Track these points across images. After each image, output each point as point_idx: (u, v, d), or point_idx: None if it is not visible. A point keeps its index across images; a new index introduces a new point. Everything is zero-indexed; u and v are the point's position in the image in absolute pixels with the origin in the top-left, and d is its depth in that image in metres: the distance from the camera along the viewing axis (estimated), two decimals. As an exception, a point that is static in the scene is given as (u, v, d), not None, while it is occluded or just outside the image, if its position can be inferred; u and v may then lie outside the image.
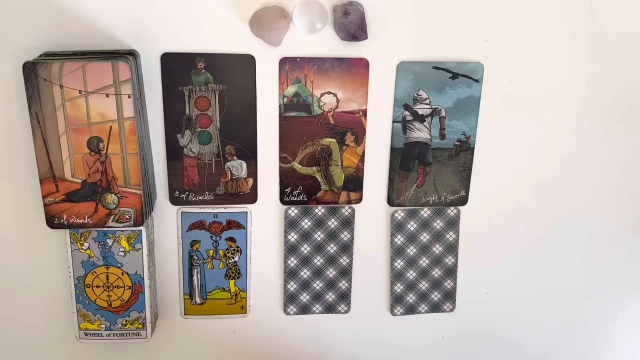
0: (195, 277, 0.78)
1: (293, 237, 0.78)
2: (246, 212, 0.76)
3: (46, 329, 0.79)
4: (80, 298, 0.74)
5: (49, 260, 0.75)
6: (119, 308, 0.74)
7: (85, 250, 0.72)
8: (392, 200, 0.78)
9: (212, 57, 0.69)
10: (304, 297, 0.81)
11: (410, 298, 0.83)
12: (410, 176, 0.77)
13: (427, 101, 0.73)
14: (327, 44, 0.70)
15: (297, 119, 0.72)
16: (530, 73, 0.74)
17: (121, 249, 0.72)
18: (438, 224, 0.80)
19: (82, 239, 0.72)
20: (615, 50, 0.74)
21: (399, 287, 0.82)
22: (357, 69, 0.71)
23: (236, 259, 0.78)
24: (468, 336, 0.87)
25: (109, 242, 0.72)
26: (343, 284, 0.81)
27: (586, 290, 0.87)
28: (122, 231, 0.71)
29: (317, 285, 0.81)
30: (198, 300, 0.79)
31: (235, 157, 0.73)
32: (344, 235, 0.79)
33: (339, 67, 0.70)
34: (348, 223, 0.78)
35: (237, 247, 0.77)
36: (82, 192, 0.67)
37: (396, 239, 0.80)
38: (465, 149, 0.76)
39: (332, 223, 0.78)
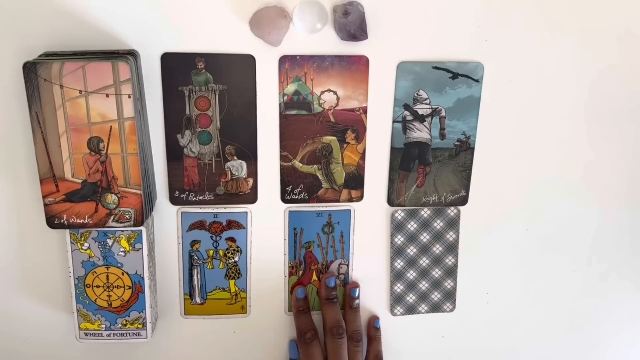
0: (195, 277, 0.78)
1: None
2: (246, 212, 0.76)
3: (46, 329, 0.79)
4: (80, 298, 0.74)
5: (49, 260, 0.75)
6: (119, 308, 0.74)
7: (85, 250, 0.72)
8: (392, 200, 0.78)
9: (212, 57, 0.69)
10: (304, 297, 0.81)
11: (410, 298, 0.83)
12: (410, 176, 0.77)
13: (427, 101, 0.74)
14: (327, 44, 0.70)
15: (298, 117, 0.72)
16: (530, 73, 0.74)
17: (121, 249, 0.72)
18: (438, 224, 0.80)
19: (82, 239, 0.72)
20: (616, 50, 0.74)
21: (399, 287, 0.82)
22: (357, 66, 0.71)
23: (236, 259, 0.78)
24: (468, 336, 0.87)
25: (109, 242, 0.72)
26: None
27: (586, 290, 0.87)
28: (122, 231, 0.71)
29: (317, 285, 0.81)
30: (198, 300, 0.79)
31: (235, 157, 0.73)
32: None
33: (338, 65, 0.70)
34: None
35: (237, 247, 0.77)
36: (82, 192, 0.67)
37: (396, 239, 0.80)
38: (465, 149, 0.76)
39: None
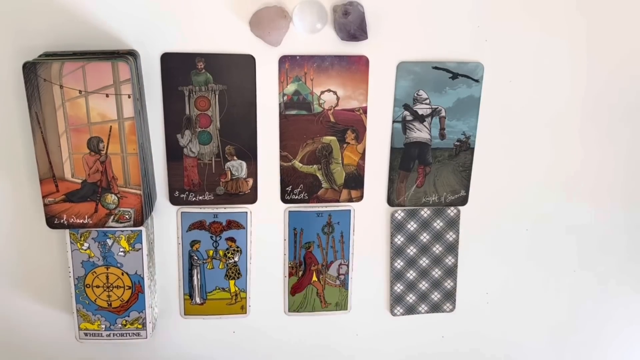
0: (195, 277, 0.78)
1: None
2: (246, 212, 0.76)
3: (46, 329, 0.79)
4: (80, 298, 0.74)
5: (49, 260, 0.75)
6: (119, 308, 0.74)
7: (85, 250, 0.72)
8: (392, 200, 0.78)
9: (212, 57, 0.69)
10: (304, 297, 0.81)
11: (410, 298, 0.83)
12: (410, 176, 0.77)
13: (427, 101, 0.74)
14: (327, 44, 0.70)
15: (298, 117, 0.72)
16: (530, 73, 0.74)
17: (121, 249, 0.72)
18: (438, 224, 0.80)
19: (82, 239, 0.72)
20: (615, 50, 0.74)
21: (399, 287, 0.82)
22: (357, 66, 0.71)
23: (236, 259, 0.78)
24: (468, 336, 0.87)
25: (109, 242, 0.72)
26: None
27: (586, 290, 0.87)
28: (122, 231, 0.71)
29: (317, 285, 0.81)
30: (198, 300, 0.79)
31: (235, 157, 0.73)
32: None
33: (338, 65, 0.70)
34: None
35: (237, 247, 0.77)
36: (82, 192, 0.67)
37: (396, 239, 0.80)
38: (465, 149, 0.76)
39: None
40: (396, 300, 0.83)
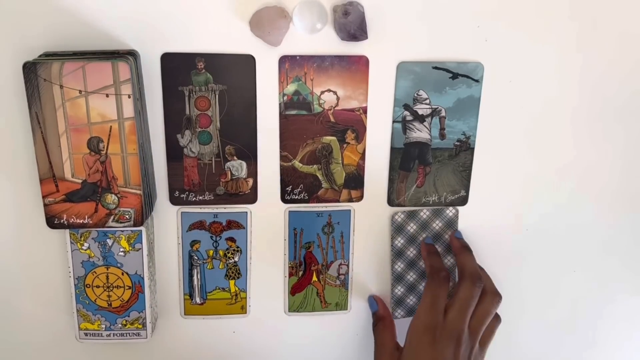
0: (195, 277, 0.78)
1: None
2: (246, 212, 0.76)
3: (46, 329, 0.79)
4: (80, 298, 0.74)
5: (49, 260, 0.75)
6: (119, 308, 0.74)
7: (85, 250, 0.72)
8: (392, 200, 0.78)
9: (212, 57, 0.69)
10: (304, 298, 0.81)
11: (411, 300, 0.83)
12: (410, 176, 0.77)
13: (427, 101, 0.74)
14: (327, 44, 0.70)
15: (298, 117, 0.72)
16: (530, 73, 0.74)
17: (121, 249, 0.72)
18: (437, 225, 0.80)
19: (82, 239, 0.72)
20: (616, 50, 0.74)
21: (399, 290, 0.82)
22: (357, 66, 0.71)
23: (236, 259, 0.78)
24: (468, 336, 0.87)
25: (109, 242, 0.72)
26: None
27: (586, 290, 0.87)
28: (122, 231, 0.71)
29: (317, 285, 0.81)
30: (198, 300, 0.79)
31: (235, 157, 0.73)
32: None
33: (338, 65, 0.70)
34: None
35: (237, 247, 0.77)
36: (82, 192, 0.67)
37: (396, 242, 0.80)
38: (465, 149, 0.76)
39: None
40: (397, 303, 0.83)
